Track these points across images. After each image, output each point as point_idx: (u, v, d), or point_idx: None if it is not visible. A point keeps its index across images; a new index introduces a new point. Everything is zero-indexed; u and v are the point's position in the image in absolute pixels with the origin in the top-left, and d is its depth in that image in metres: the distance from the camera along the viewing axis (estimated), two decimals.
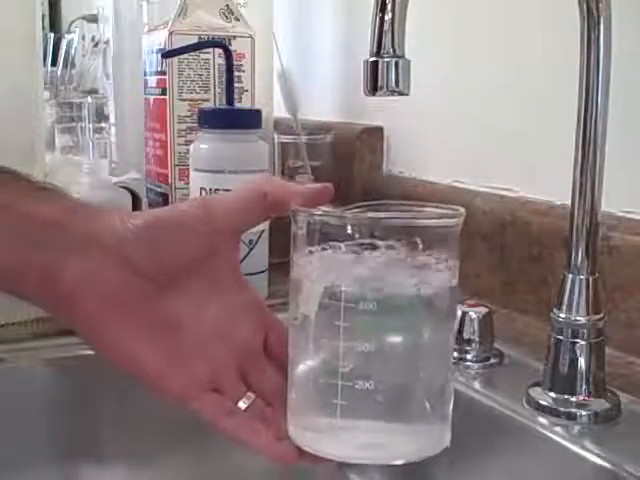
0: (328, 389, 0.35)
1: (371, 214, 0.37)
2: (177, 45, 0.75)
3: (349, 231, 0.35)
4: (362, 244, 0.35)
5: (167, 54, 0.76)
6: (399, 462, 0.36)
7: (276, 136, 0.90)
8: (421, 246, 0.35)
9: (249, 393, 0.40)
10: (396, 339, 0.35)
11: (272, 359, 0.41)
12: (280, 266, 0.39)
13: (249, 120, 0.71)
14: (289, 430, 0.38)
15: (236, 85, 0.75)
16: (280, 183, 0.40)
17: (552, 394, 0.50)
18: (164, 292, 0.38)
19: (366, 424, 0.36)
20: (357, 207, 0.37)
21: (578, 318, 0.49)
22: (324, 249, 0.35)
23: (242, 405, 0.40)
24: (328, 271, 0.35)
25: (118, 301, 0.37)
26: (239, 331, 0.40)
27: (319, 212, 0.36)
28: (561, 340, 0.49)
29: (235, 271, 0.41)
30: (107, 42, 1.04)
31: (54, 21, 1.84)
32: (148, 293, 0.37)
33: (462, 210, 0.36)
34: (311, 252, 0.36)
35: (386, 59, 0.44)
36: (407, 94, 0.45)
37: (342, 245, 0.35)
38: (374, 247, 0.35)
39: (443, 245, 0.36)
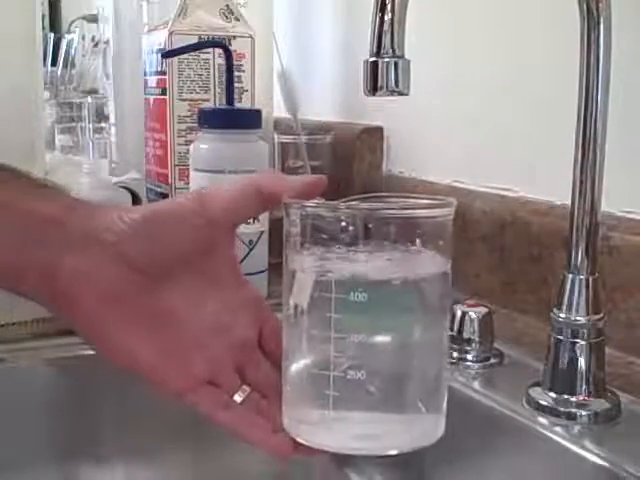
0: (320, 380, 0.35)
1: (363, 205, 0.37)
2: (177, 45, 0.75)
3: (341, 222, 0.35)
4: (354, 235, 0.35)
5: (167, 54, 0.76)
6: (393, 452, 0.36)
7: (276, 136, 0.90)
8: (414, 236, 0.35)
9: (244, 386, 0.40)
10: (388, 329, 0.35)
11: (267, 353, 0.41)
12: (279, 266, 0.38)
13: (249, 120, 0.71)
14: (284, 422, 0.38)
15: (236, 85, 0.75)
16: (274, 176, 0.40)
17: (552, 394, 0.50)
18: (158, 285, 0.38)
19: (359, 415, 0.36)
20: (350, 200, 0.37)
21: (578, 318, 0.49)
22: (316, 241, 0.35)
23: (238, 398, 0.40)
24: (319, 262, 0.35)
25: (115, 297, 0.37)
26: (237, 327, 0.40)
27: (311, 204, 0.36)
28: (561, 340, 0.49)
29: (233, 267, 0.41)
30: (107, 42, 1.04)
31: (54, 21, 1.84)
32: (143, 286, 0.37)
33: (454, 200, 0.36)
34: (303, 244, 0.36)
35: (386, 59, 0.44)
36: (407, 94, 0.45)
37: (334, 236, 0.35)
38: (366, 238, 0.35)
39: (436, 234, 0.36)
